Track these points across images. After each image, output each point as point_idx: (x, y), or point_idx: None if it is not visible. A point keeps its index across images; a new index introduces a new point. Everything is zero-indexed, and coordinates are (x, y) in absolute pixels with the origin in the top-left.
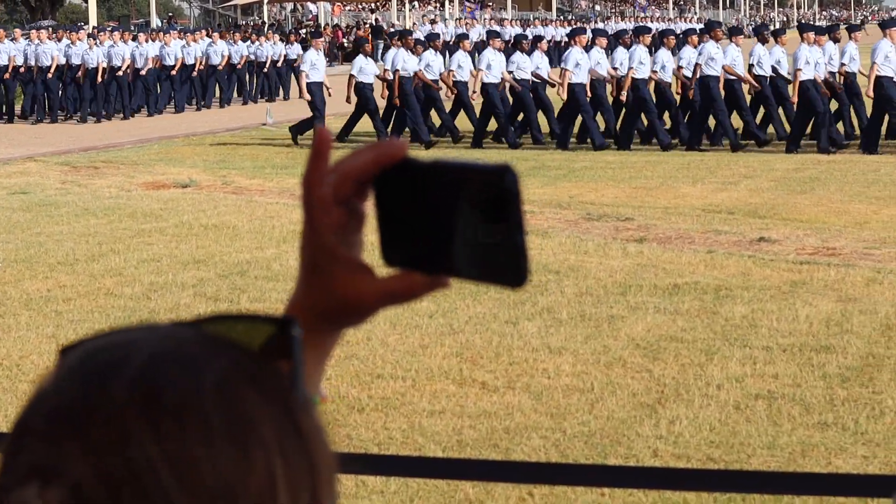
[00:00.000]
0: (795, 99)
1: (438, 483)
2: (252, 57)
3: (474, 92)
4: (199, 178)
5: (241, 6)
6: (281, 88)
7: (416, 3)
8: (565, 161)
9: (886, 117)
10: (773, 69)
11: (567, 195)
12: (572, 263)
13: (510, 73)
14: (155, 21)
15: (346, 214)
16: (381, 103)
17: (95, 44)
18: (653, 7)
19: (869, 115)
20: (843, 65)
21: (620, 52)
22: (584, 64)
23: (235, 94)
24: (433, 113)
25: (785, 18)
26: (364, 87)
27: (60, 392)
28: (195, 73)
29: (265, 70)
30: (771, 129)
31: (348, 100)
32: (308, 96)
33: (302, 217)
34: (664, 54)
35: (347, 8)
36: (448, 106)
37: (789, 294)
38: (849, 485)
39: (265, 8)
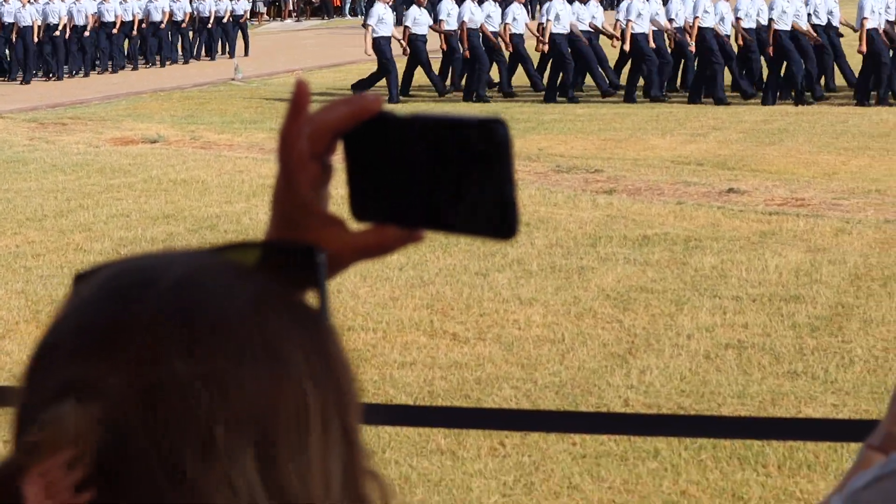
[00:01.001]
0: (864, 48)
1: (410, 433)
2: (195, 13)
3: (543, 43)
4: (167, 133)
5: None
6: (227, 45)
7: None
8: (534, 114)
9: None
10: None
11: (536, 147)
12: (542, 215)
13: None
14: None
15: (319, 168)
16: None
17: (28, 2)
18: None
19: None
20: None
21: (676, 2)
22: (645, 13)
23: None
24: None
25: None
26: (417, 39)
27: (87, 311)
28: (134, 31)
29: (209, 26)
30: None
31: (405, 52)
32: (371, 52)
33: (277, 171)
34: (723, 6)
35: None
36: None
37: (758, 244)
38: (818, 430)
39: None
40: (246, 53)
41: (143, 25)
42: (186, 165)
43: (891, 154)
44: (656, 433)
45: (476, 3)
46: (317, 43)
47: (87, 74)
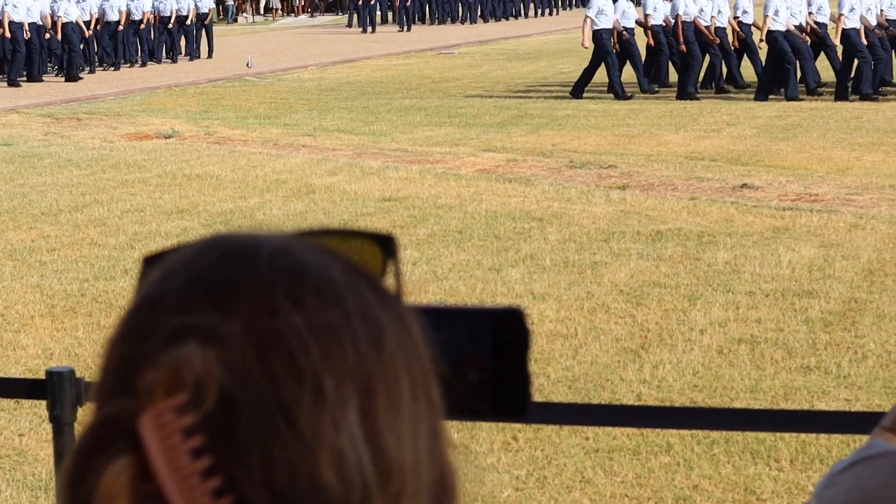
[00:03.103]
0: (838, 42)
1: None
2: (155, 13)
3: (761, 40)
4: (181, 128)
5: None
6: (189, 47)
7: None
8: (548, 109)
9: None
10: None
11: (550, 143)
12: (555, 211)
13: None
14: None
15: None
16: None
17: None
18: None
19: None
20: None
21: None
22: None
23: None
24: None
25: None
26: (602, 34)
27: (195, 268)
28: (89, 32)
29: (169, 27)
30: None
31: (584, 45)
32: (588, 44)
33: None
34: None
35: None
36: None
37: (772, 240)
38: (830, 423)
39: None
40: (210, 55)
41: (98, 27)
42: (201, 160)
43: None
44: (668, 426)
45: None
46: (331, 39)
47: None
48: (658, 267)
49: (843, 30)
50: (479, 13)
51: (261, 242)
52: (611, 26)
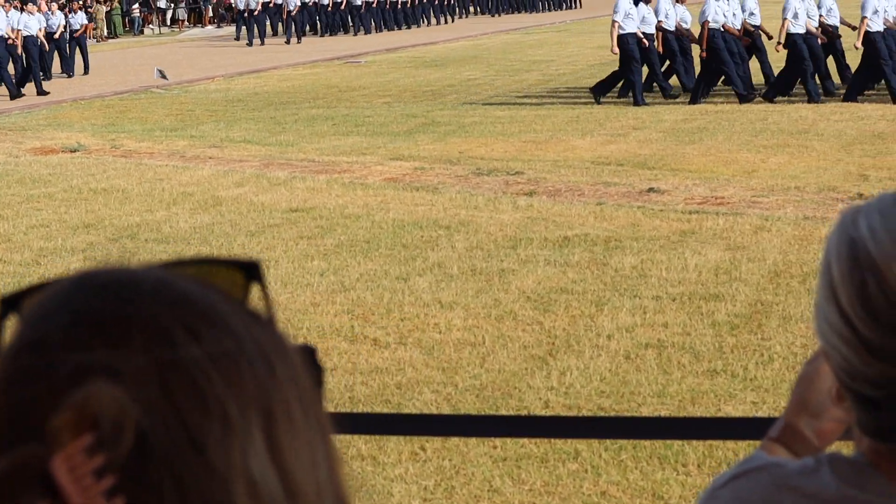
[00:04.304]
0: (860, 44)
1: None
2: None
3: (779, 43)
4: (87, 142)
5: None
6: (63, 63)
7: None
8: (455, 117)
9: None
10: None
11: (457, 151)
12: (463, 218)
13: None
14: None
15: None
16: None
17: None
18: None
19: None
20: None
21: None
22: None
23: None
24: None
25: None
26: (627, 39)
27: (74, 305)
28: None
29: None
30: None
31: (613, 50)
32: (617, 50)
33: None
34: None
35: None
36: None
37: (678, 244)
38: (737, 429)
39: None
40: (85, 71)
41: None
42: (107, 174)
43: (809, 151)
44: (576, 435)
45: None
46: (238, 49)
47: None
48: (565, 273)
49: (867, 32)
50: (371, 23)
51: (137, 275)
52: (635, 30)
